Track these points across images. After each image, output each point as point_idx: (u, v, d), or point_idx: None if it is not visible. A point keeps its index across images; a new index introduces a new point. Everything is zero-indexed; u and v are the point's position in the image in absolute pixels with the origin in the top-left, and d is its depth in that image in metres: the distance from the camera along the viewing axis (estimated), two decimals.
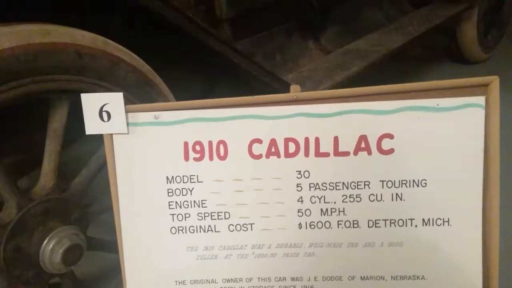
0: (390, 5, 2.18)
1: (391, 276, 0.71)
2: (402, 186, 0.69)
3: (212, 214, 0.72)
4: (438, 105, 0.67)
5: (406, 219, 0.70)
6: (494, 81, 0.66)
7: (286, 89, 0.72)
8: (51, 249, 0.81)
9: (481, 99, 0.67)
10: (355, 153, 0.69)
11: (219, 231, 0.72)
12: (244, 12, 1.43)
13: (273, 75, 1.28)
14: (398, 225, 0.70)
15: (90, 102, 0.68)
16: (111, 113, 0.68)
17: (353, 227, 0.70)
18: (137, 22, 1.12)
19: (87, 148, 0.94)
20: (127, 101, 0.83)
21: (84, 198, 0.92)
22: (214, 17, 1.36)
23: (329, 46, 1.80)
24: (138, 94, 0.92)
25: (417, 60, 2.73)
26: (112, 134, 0.70)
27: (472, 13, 2.26)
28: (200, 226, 0.72)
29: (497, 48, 2.70)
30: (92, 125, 0.69)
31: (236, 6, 1.38)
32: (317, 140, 0.69)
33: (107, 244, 0.99)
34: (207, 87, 1.42)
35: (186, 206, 0.72)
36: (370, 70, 1.56)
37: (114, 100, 0.68)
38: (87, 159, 0.92)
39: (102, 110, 0.68)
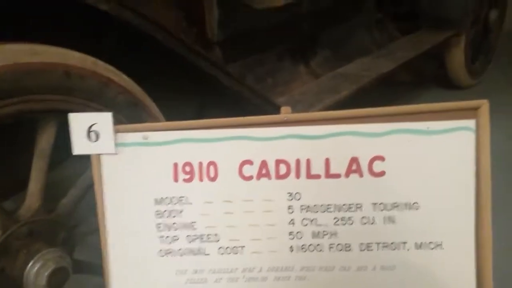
0: (379, 32, 2.22)
1: None
2: (394, 209, 0.68)
3: (202, 236, 0.70)
4: (428, 128, 0.67)
5: (398, 243, 0.69)
6: (484, 104, 0.67)
7: (277, 112, 0.72)
8: (36, 272, 0.79)
9: (471, 123, 0.67)
10: (347, 175, 0.69)
11: (208, 254, 0.71)
12: (235, 35, 1.44)
13: (264, 98, 1.29)
14: (391, 248, 0.69)
15: (78, 122, 0.67)
16: (99, 133, 0.68)
17: (345, 250, 0.69)
18: (129, 44, 1.13)
19: (75, 169, 0.93)
20: (117, 122, 0.83)
21: (71, 219, 0.90)
22: (205, 39, 1.37)
23: (320, 70, 1.81)
24: (128, 115, 0.91)
25: (406, 86, 2.77)
26: (100, 155, 0.69)
27: (459, 40, 2.31)
28: (189, 249, 0.71)
29: (485, 74, 2.74)
30: (79, 145, 0.68)
31: (227, 29, 1.40)
32: (308, 161, 0.69)
33: (94, 267, 0.97)
34: (198, 109, 1.42)
35: (175, 228, 0.70)
36: (360, 94, 1.57)
37: (103, 120, 0.67)
38: (75, 180, 0.91)
39: (90, 130, 0.67)
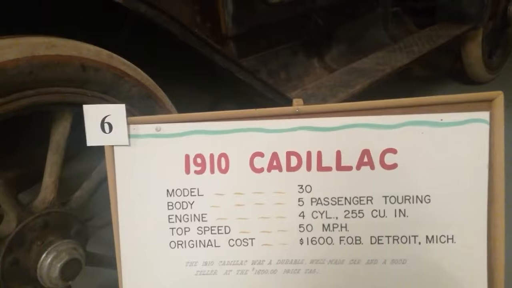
0: (395, 25, 2.19)
1: None
2: (405, 202, 0.68)
3: (212, 228, 0.71)
4: (442, 120, 0.66)
5: (409, 236, 0.68)
6: (498, 96, 0.66)
7: (290, 106, 0.71)
8: (49, 263, 0.80)
9: (485, 115, 0.66)
10: (358, 167, 0.68)
11: (219, 246, 0.71)
12: (249, 30, 1.44)
13: (278, 92, 1.29)
14: (402, 242, 0.68)
15: (92, 113, 0.68)
16: (112, 124, 0.68)
17: (356, 243, 0.69)
18: (144, 37, 1.13)
19: (91, 162, 0.94)
20: (131, 115, 0.83)
21: (85, 212, 0.91)
22: (219, 34, 1.37)
23: (334, 64, 1.80)
24: (142, 108, 0.92)
25: (422, 80, 2.74)
26: (113, 146, 0.70)
27: (477, 34, 2.27)
28: (200, 241, 0.71)
29: (502, 69, 2.70)
30: (93, 137, 0.68)
31: (241, 24, 1.40)
32: (319, 154, 0.69)
33: (107, 260, 0.98)
34: (212, 103, 1.43)
35: (186, 220, 0.71)
36: (375, 88, 1.56)
37: (116, 111, 0.68)
38: (89, 173, 0.92)
39: (103, 122, 0.68)
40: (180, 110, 1.02)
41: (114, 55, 0.86)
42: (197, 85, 1.34)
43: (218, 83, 1.30)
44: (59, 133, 0.84)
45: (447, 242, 0.68)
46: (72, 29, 0.86)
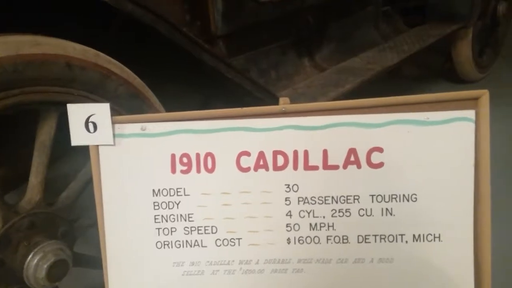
0: (385, 24, 2.20)
1: None
2: (392, 201, 0.68)
3: (199, 228, 0.70)
4: (428, 118, 0.66)
5: (396, 235, 0.68)
6: (484, 95, 0.66)
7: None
8: (36, 264, 0.79)
9: (471, 113, 0.66)
10: (345, 166, 0.68)
11: (206, 246, 0.70)
12: (239, 29, 1.44)
13: (267, 91, 1.28)
14: (389, 240, 0.68)
15: (77, 112, 0.67)
16: (97, 124, 0.68)
17: (343, 242, 0.69)
18: (132, 37, 1.13)
19: (78, 162, 0.93)
20: (118, 114, 0.83)
21: (72, 213, 0.90)
22: (209, 33, 1.36)
23: (324, 63, 1.80)
24: (129, 107, 0.91)
25: (413, 79, 2.75)
26: (98, 146, 0.69)
27: (466, 33, 2.28)
28: (187, 241, 0.70)
29: (492, 68, 2.71)
30: (78, 136, 0.68)
31: (231, 23, 1.39)
32: (306, 153, 0.68)
33: (95, 260, 0.97)
34: (201, 102, 1.42)
35: (173, 220, 0.70)
36: (365, 88, 1.56)
37: (101, 111, 0.67)
38: (76, 173, 0.91)
39: (88, 121, 0.67)
40: (169, 110, 1.02)
41: (101, 53, 0.86)
42: (187, 84, 1.34)
43: (209, 82, 1.30)
44: (45, 133, 0.83)
45: (434, 240, 0.68)
46: (60, 27, 0.85)
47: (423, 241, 0.68)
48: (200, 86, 1.36)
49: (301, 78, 1.68)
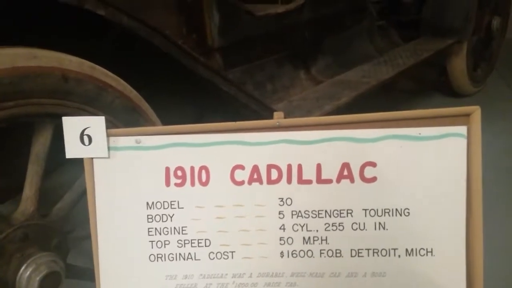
0: (381, 39, 2.22)
1: None
2: (385, 215, 0.68)
3: (193, 241, 0.70)
4: (420, 134, 0.67)
5: (389, 249, 0.69)
6: (476, 111, 0.67)
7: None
8: (28, 276, 0.79)
9: (462, 129, 0.67)
10: (338, 181, 0.68)
11: (199, 259, 0.70)
12: (235, 42, 1.45)
13: (262, 104, 1.29)
14: (381, 254, 0.69)
15: (72, 125, 0.67)
16: (92, 137, 0.68)
17: (336, 256, 0.69)
18: (129, 50, 1.13)
19: (72, 174, 0.93)
20: (114, 127, 0.83)
21: (66, 224, 0.90)
22: (205, 45, 1.37)
23: (320, 76, 1.81)
24: (126, 120, 0.92)
25: (408, 93, 2.77)
26: (92, 158, 0.70)
27: (461, 47, 2.30)
28: (180, 254, 0.70)
29: (487, 82, 2.74)
30: (72, 149, 0.68)
31: (227, 35, 1.40)
32: (299, 167, 0.69)
33: (88, 273, 0.97)
34: (197, 115, 1.43)
35: (166, 232, 0.70)
36: (361, 101, 1.57)
37: (96, 124, 0.67)
38: (70, 185, 0.91)
39: (83, 134, 0.68)
40: (166, 123, 1.02)
41: (97, 66, 0.86)
42: (183, 96, 1.34)
43: (205, 95, 1.30)
44: (40, 145, 0.83)
45: (426, 255, 0.68)
46: (56, 40, 0.86)
47: (416, 255, 0.68)
48: (196, 98, 1.36)
49: (296, 91, 1.69)
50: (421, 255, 0.68)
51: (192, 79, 1.15)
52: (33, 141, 0.83)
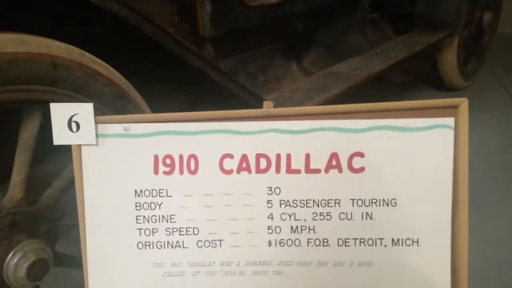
0: (373, 31, 2.22)
1: None
2: (372, 205, 0.69)
3: (181, 229, 0.70)
4: (408, 125, 0.67)
5: (375, 239, 0.69)
6: (463, 103, 0.67)
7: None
8: (16, 263, 0.79)
9: (450, 120, 0.67)
10: (326, 170, 0.69)
11: (187, 247, 0.71)
12: (228, 32, 1.44)
13: (253, 94, 1.29)
14: (368, 244, 0.69)
15: (59, 111, 0.67)
16: (80, 123, 0.67)
17: (323, 245, 0.70)
18: (122, 39, 1.13)
19: (62, 162, 0.93)
20: (103, 115, 0.82)
21: (55, 212, 0.90)
22: (197, 35, 1.36)
23: (312, 68, 1.81)
24: (114, 108, 0.91)
25: (399, 87, 2.78)
26: (80, 145, 0.69)
27: (452, 41, 2.31)
28: (168, 242, 0.71)
29: (477, 76, 2.75)
30: (60, 136, 0.68)
31: (219, 25, 1.39)
32: (288, 156, 0.69)
33: (76, 260, 0.97)
34: (189, 104, 1.42)
35: (154, 220, 0.70)
36: (352, 93, 1.58)
37: (84, 110, 0.67)
38: (59, 173, 0.91)
39: (71, 121, 0.67)
40: (156, 112, 1.01)
41: (86, 53, 0.86)
42: (175, 86, 1.34)
43: (196, 85, 1.30)
44: (28, 132, 0.83)
45: (412, 245, 0.69)
46: (45, 27, 0.85)
47: (402, 245, 0.69)
48: (187, 88, 1.36)
49: (288, 82, 1.69)
50: (407, 245, 0.69)
51: (184, 68, 1.14)
52: (21, 128, 0.83)
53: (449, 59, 2.39)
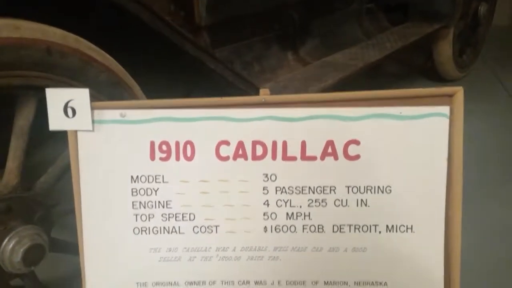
0: (369, 22, 2.22)
1: (354, 282, 0.71)
2: (367, 192, 0.69)
3: (177, 215, 0.71)
4: (403, 113, 0.68)
5: (370, 225, 0.70)
6: (459, 91, 0.68)
7: None
8: (11, 248, 0.79)
9: (445, 109, 0.68)
10: (322, 158, 0.69)
11: (183, 233, 0.71)
12: (224, 20, 1.44)
13: (249, 83, 1.29)
14: (362, 230, 0.70)
15: (55, 97, 0.67)
16: (76, 109, 0.67)
17: (318, 231, 0.70)
18: (118, 26, 1.12)
19: (59, 148, 0.93)
20: (98, 101, 0.82)
21: (50, 198, 0.90)
22: (193, 23, 1.36)
23: (308, 58, 1.81)
24: (110, 95, 0.91)
25: (394, 77, 2.78)
26: (76, 131, 0.69)
27: (448, 32, 2.32)
28: (164, 227, 0.71)
29: (472, 67, 2.76)
30: (56, 121, 0.67)
31: (215, 14, 1.39)
32: (284, 143, 0.69)
33: (72, 246, 0.97)
34: (184, 92, 1.42)
35: (150, 206, 0.71)
36: (347, 83, 1.58)
37: (80, 96, 0.67)
38: (54, 158, 0.90)
39: (67, 106, 0.67)
40: (153, 98, 1.01)
41: (82, 39, 0.85)
42: (170, 74, 1.34)
43: (192, 73, 1.29)
44: (23, 118, 0.83)
45: (406, 231, 0.70)
46: (40, 12, 0.84)
47: (396, 232, 0.70)
48: (183, 76, 1.36)
49: (284, 71, 1.69)
50: (401, 232, 0.70)
51: (179, 56, 1.14)
52: (16, 114, 0.82)
53: (445, 50, 2.39)
